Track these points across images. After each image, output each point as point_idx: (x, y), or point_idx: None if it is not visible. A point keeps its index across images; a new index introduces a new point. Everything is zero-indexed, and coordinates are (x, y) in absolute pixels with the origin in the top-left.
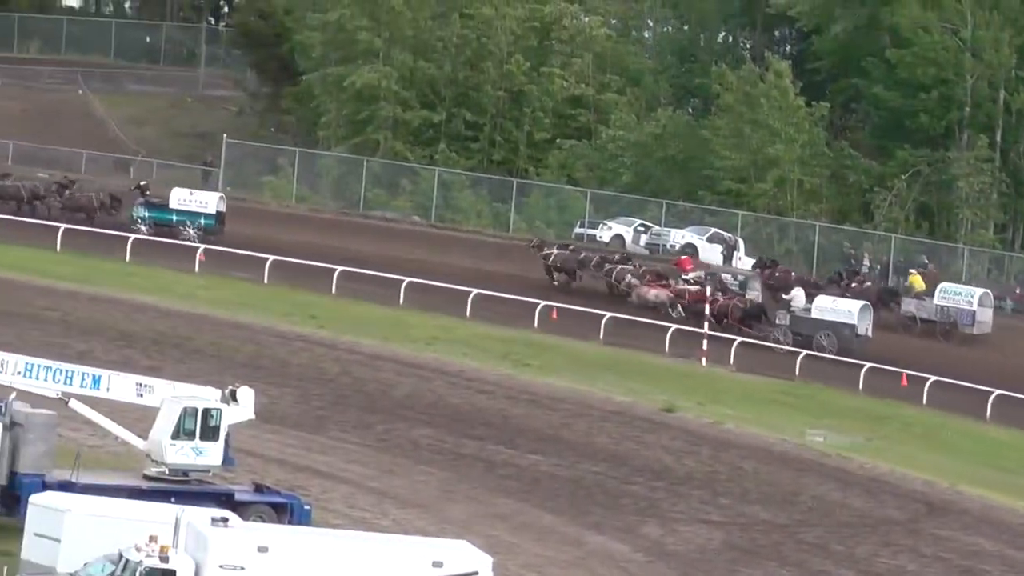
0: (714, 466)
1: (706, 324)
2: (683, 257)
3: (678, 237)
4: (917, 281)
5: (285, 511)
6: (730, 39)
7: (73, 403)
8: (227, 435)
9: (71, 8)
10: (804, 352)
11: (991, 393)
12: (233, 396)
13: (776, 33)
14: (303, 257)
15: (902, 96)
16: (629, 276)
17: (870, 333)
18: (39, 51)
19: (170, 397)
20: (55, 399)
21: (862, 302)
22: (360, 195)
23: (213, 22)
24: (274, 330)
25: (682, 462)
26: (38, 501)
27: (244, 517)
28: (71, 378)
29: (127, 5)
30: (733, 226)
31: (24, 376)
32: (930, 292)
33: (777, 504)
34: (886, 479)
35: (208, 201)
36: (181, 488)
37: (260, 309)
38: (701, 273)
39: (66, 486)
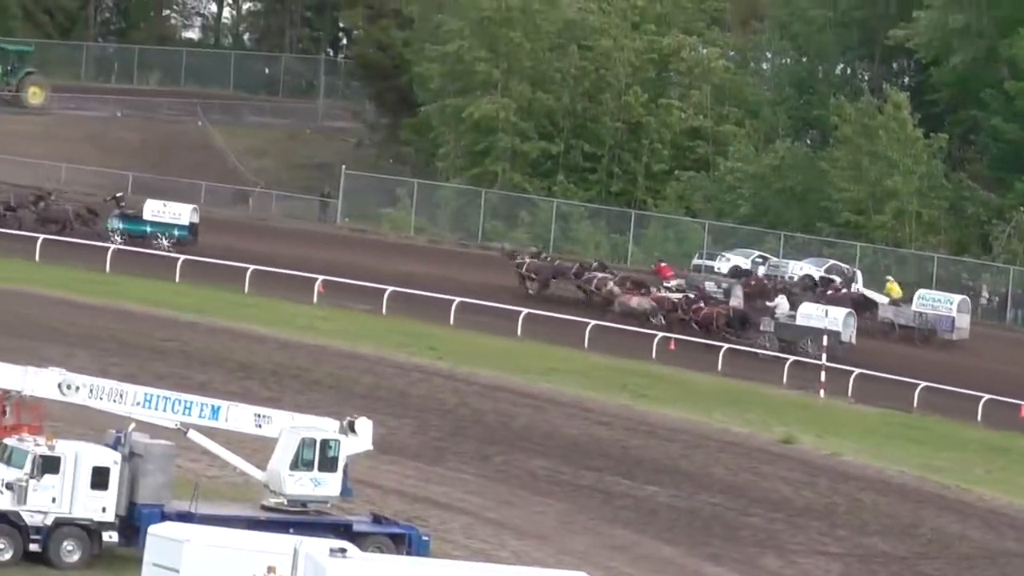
0: (832, 498)
1: (824, 356)
2: (662, 265)
3: (796, 269)
4: (894, 288)
5: (403, 542)
6: (848, 71)
7: (192, 434)
8: (345, 466)
9: (191, 40)
10: (923, 384)
11: None
12: (351, 427)
13: (894, 65)
14: (422, 288)
15: (1021, 128)
16: (611, 284)
17: (854, 340)
18: (159, 83)
19: (289, 428)
20: (174, 430)
21: (847, 309)
22: (479, 226)
23: (332, 54)
24: (392, 361)
25: (800, 494)
26: (157, 532)
27: (362, 548)
28: (190, 409)
29: (246, 37)
30: (851, 258)
31: (143, 407)
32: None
33: (896, 536)
34: (1005, 511)
35: (181, 213)
36: (299, 519)
37: (378, 340)
38: (682, 281)
39: (185, 516)
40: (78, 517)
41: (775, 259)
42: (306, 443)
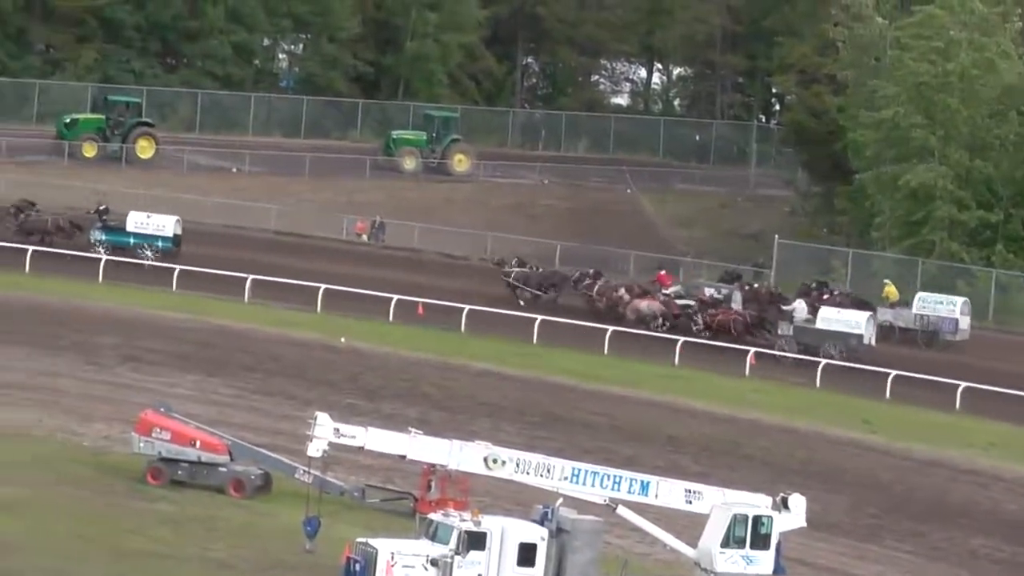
0: None
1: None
2: (661, 273)
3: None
4: (892, 291)
5: None
6: None
7: (621, 509)
8: (778, 543)
9: (619, 106)
10: None
11: None
12: (784, 503)
13: None
14: (858, 362)
15: None
16: (621, 291)
17: (874, 342)
18: (586, 150)
19: (720, 504)
20: (602, 505)
21: (867, 312)
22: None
23: (764, 120)
24: (826, 435)
25: None
26: None
27: None
28: (619, 484)
29: (676, 103)
30: None
31: (571, 482)
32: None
33: None
34: None
35: (165, 224)
36: None
37: (811, 414)
38: (679, 288)
39: None
40: None
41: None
42: (738, 519)
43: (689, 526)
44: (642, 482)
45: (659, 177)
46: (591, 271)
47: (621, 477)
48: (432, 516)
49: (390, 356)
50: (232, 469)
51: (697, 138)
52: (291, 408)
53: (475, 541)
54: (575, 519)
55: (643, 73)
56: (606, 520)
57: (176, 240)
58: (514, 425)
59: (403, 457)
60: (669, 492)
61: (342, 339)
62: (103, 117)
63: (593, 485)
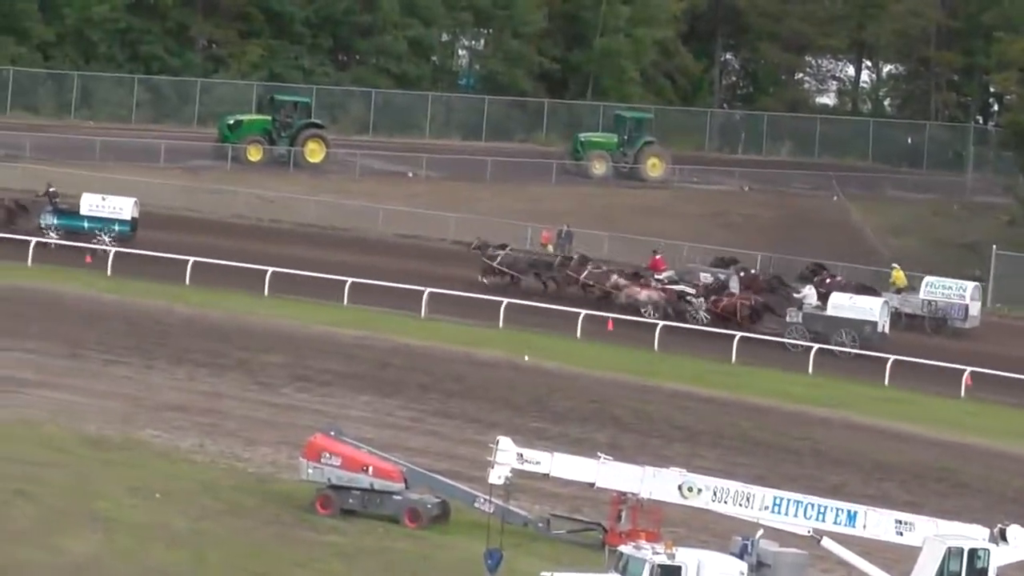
0: None
1: None
2: (657, 257)
3: None
4: (899, 276)
5: None
6: None
7: (825, 541)
8: None
9: (825, 106)
10: None
11: None
12: (1003, 535)
13: None
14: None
15: None
16: (616, 277)
17: (887, 329)
18: (790, 153)
19: (932, 536)
20: (806, 537)
21: (881, 299)
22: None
23: (982, 121)
24: None
25: None
26: None
27: None
28: (824, 514)
29: (887, 103)
30: None
31: (772, 511)
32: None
33: None
34: None
35: (122, 207)
36: None
37: None
38: (672, 272)
39: None
40: None
41: None
42: (953, 553)
43: (899, 559)
44: (849, 512)
45: (868, 183)
46: (576, 255)
47: (826, 507)
48: (622, 548)
49: (578, 376)
50: (407, 497)
51: (909, 141)
52: (471, 432)
53: (669, 575)
54: (777, 552)
55: (851, 71)
56: (810, 553)
57: (133, 224)
58: (711, 450)
59: (591, 485)
60: (878, 523)
61: (525, 356)
62: (269, 118)
63: (796, 515)
